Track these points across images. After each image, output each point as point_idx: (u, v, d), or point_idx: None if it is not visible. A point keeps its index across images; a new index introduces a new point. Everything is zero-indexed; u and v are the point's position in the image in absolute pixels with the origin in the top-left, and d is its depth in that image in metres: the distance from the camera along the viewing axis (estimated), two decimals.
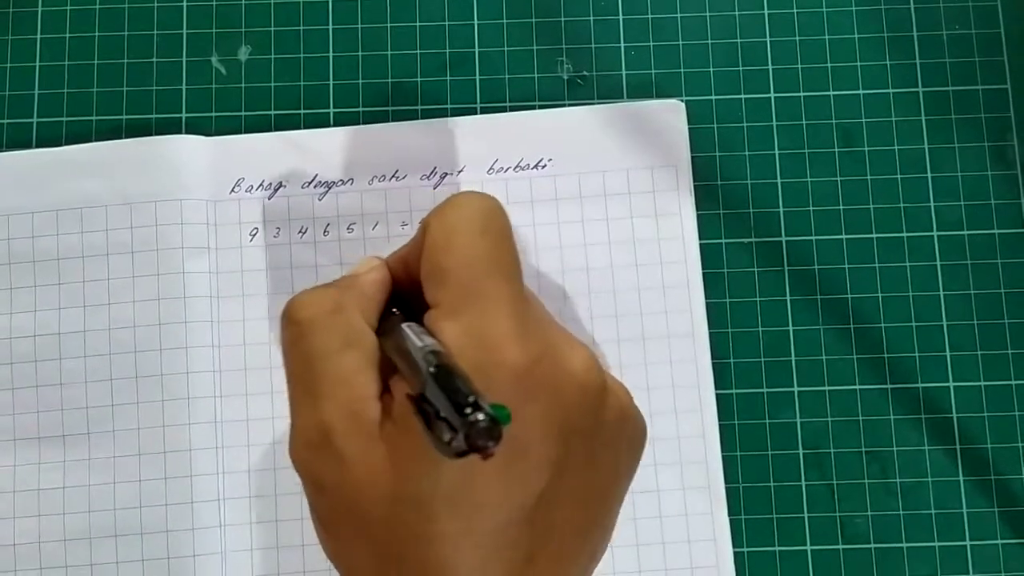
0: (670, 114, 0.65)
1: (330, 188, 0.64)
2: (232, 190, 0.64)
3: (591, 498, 0.47)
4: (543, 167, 0.64)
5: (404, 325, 0.46)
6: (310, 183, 0.64)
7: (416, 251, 0.48)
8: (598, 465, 0.47)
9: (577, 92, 0.67)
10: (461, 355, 0.42)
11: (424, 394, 0.38)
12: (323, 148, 0.65)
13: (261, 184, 0.64)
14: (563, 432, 0.44)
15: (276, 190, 0.64)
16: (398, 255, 0.51)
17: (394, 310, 0.50)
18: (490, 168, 0.64)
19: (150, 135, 0.65)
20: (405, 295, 0.51)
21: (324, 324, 0.46)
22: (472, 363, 0.41)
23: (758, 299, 0.65)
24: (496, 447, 0.35)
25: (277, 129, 0.66)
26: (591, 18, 0.68)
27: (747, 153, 0.66)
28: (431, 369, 0.39)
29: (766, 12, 0.68)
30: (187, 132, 0.66)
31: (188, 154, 0.64)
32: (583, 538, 0.47)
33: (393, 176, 0.64)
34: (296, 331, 0.46)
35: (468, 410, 0.35)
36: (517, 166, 0.64)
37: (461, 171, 0.64)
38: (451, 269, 0.45)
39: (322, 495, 0.45)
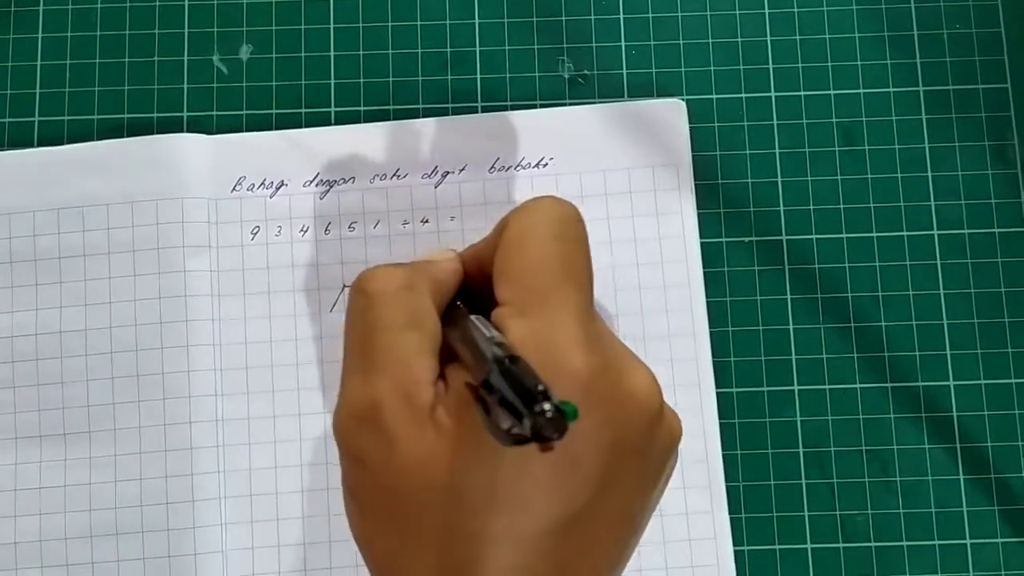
0: (671, 113, 0.65)
1: (331, 187, 0.64)
2: (233, 188, 0.64)
3: (627, 521, 0.46)
4: (544, 166, 0.64)
5: (473, 317, 0.46)
6: (311, 181, 0.64)
7: (490, 248, 0.48)
8: (640, 489, 0.47)
9: (578, 91, 0.67)
10: (525, 356, 0.41)
11: (488, 380, 0.38)
12: (325, 146, 0.65)
13: (263, 182, 0.64)
14: (616, 449, 0.43)
15: (277, 188, 0.64)
16: (472, 250, 0.52)
17: (458, 303, 0.50)
18: (491, 167, 0.64)
19: (151, 134, 0.65)
20: (472, 291, 0.51)
21: (393, 299, 0.46)
22: (535, 365, 0.40)
23: (758, 298, 0.65)
24: (558, 440, 0.35)
25: (278, 128, 0.66)
26: (592, 17, 0.68)
27: (747, 152, 0.66)
28: (500, 355, 0.39)
29: (767, 11, 0.68)
30: (188, 131, 0.66)
31: (189, 153, 0.64)
32: (614, 559, 0.47)
33: (395, 175, 0.64)
34: (364, 302, 0.46)
35: (537, 398, 0.35)
36: (518, 165, 0.64)
37: (463, 170, 0.64)
38: (524, 269, 0.45)
39: (361, 471, 0.44)
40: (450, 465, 0.42)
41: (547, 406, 0.35)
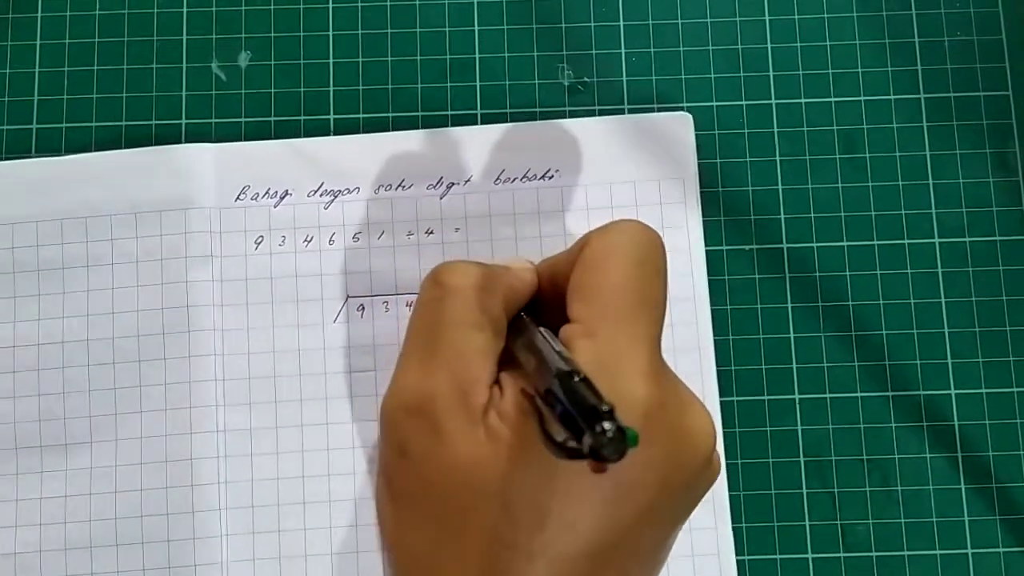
0: (678, 126, 0.65)
1: (336, 197, 0.64)
2: (237, 198, 0.63)
3: (658, 553, 0.47)
4: (550, 178, 0.64)
5: (541, 329, 0.46)
6: (316, 191, 0.64)
7: (567, 263, 0.48)
8: (677, 524, 0.47)
9: (578, 98, 0.67)
10: (592, 376, 0.40)
11: (550, 390, 0.38)
12: (329, 156, 0.64)
13: (267, 192, 0.63)
14: (667, 485, 0.43)
15: (282, 198, 0.63)
16: (548, 263, 0.52)
17: (523, 314, 0.50)
18: (497, 178, 0.64)
19: (150, 141, 0.65)
20: (542, 303, 0.51)
21: (467, 296, 0.46)
22: (601, 387, 0.40)
23: (759, 306, 0.65)
24: (615, 462, 0.35)
25: (277, 135, 0.65)
26: (592, 24, 0.68)
27: (748, 160, 0.66)
28: (568, 370, 0.39)
29: (767, 18, 0.68)
30: (187, 138, 0.65)
31: (194, 162, 0.64)
32: None
33: (399, 185, 0.64)
34: (438, 292, 0.47)
35: (601, 417, 0.35)
36: (524, 176, 0.64)
37: (468, 181, 0.64)
38: (600, 291, 0.45)
39: (404, 461, 0.44)
40: (500, 471, 0.42)
41: (609, 425, 0.35)
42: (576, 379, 0.38)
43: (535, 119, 0.66)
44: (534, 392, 0.39)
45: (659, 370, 0.44)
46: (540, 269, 0.51)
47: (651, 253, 0.48)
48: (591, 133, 0.65)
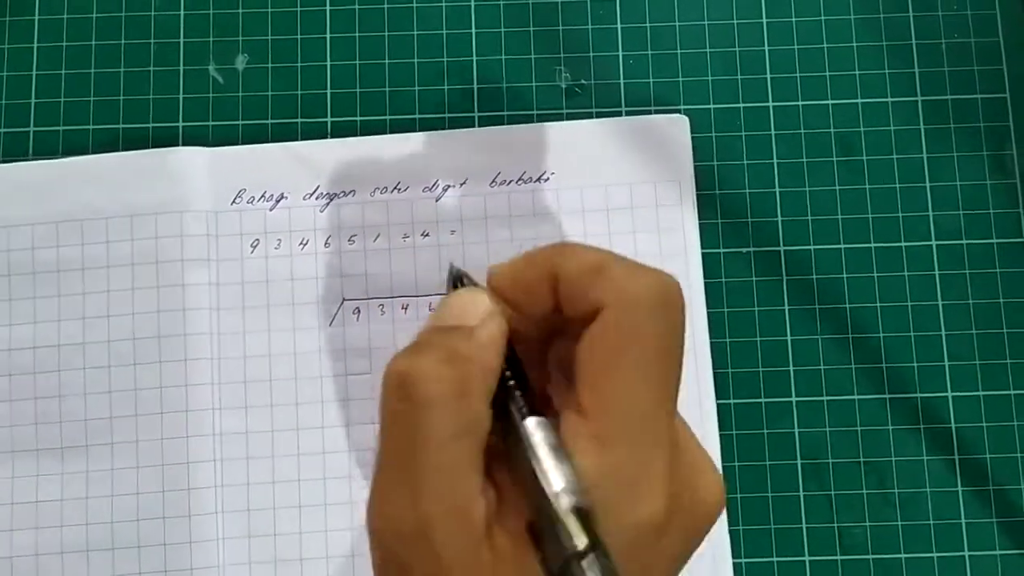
0: (674, 128, 0.65)
1: (332, 200, 0.64)
2: (233, 201, 0.63)
3: None
4: (546, 180, 0.64)
5: (533, 432, 0.40)
6: (312, 194, 0.64)
7: (542, 275, 0.42)
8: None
9: (575, 101, 0.67)
10: (600, 491, 0.38)
11: (547, 528, 0.36)
12: (325, 159, 0.65)
13: (263, 195, 0.64)
14: (682, 556, 0.42)
15: (277, 201, 0.63)
16: (510, 269, 0.44)
17: (512, 388, 0.43)
18: (492, 181, 0.64)
19: (147, 144, 0.65)
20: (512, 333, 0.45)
21: (444, 408, 0.40)
22: (609, 502, 0.38)
23: (756, 309, 0.64)
24: None
25: (274, 138, 0.65)
26: (589, 27, 0.68)
27: (745, 162, 0.66)
28: (580, 547, 0.36)
29: (764, 21, 0.68)
30: (184, 141, 0.65)
31: (189, 165, 0.64)
32: None
33: (395, 188, 0.64)
34: (408, 407, 0.41)
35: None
36: (520, 179, 0.64)
37: (464, 183, 0.64)
38: (618, 384, 0.40)
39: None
40: None
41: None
42: (593, 558, 0.36)
43: (533, 122, 0.66)
44: (531, 519, 0.38)
45: (675, 462, 0.41)
46: (500, 276, 0.44)
47: (678, 331, 0.42)
48: (586, 135, 0.65)
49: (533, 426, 0.40)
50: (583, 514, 0.37)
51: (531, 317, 0.44)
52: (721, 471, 0.61)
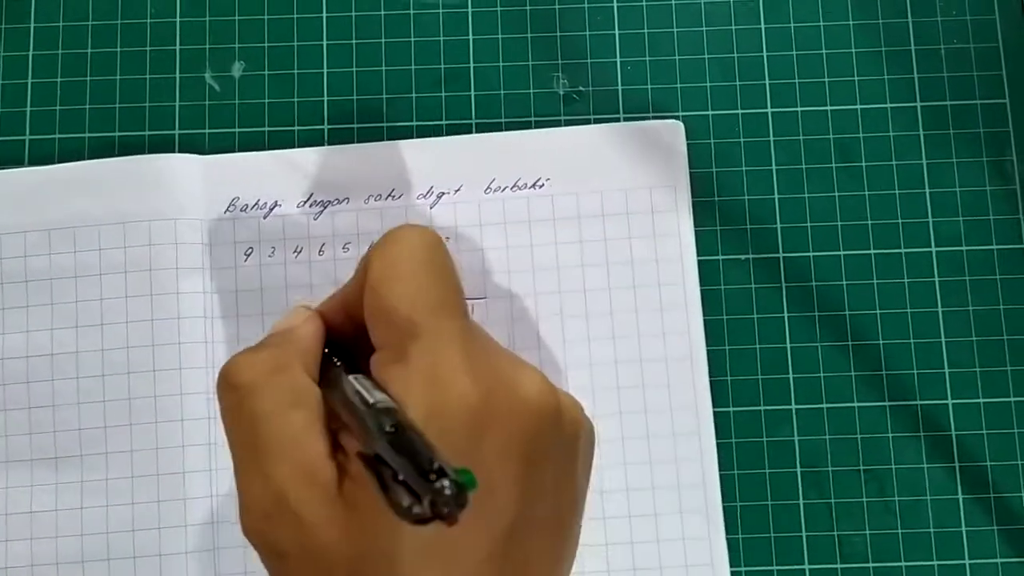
0: (669, 134, 0.65)
1: (326, 207, 0.64)
2: (227, 209, 0.63)
3: (560, 518, 0.46)
4: (540, 186, 0.64)
5: (351, 378, 0.44)
6: (306, 202, 0.64)
7: (357, 291, 0.47)
8: (561, 484, 0.46)
9: (573, 107, 0.66)
10: (413, 397, 0.41)
11: (379, 456, 0.37)
12: (319, 167, 0.64)
13: (256, 203, 0.63)
14: (525, 459, 0.43)
15: (271, 209, 0.63)
16: (335, 299, 0.50)
17: (335, 360, 0.48)
18: (487, 187, 0.64)
19: (143, 152, 0.65)
20: (344, 341, 0.50)
21: (266, 385, 0.44)
22: (425, 406, 0.41)
23: (755, 316, 0.64)
24: (462, 512, 0.34)
25: (271, 146, 0.65)
26: (587, 33, 0.67)
27: (744, 169, 0.66)
28: (387, 430, 0.38)
29: (763, 27, 0.68)
30: (180, 149, 0.65)
31: (182, 173, 0.64)
32: (558, 558, 0.47)
33: (389, 195, 0.64)
34: (236, 396, 0.44)
35: (432, 476, 0.34)
36: (515, 185, 0.64)
37: (458, 190, 0.64)
38: (395, 308, 0.44)
39: (284, 562, 0.43)
40: (369, 532, 0.41)
41: (445, 483, 0.34)
42: (397, 435, 0.37)
43: (530, 128, 0.66)
44: (367, 454, 0.39)
45: (479, 359, 0.44)
46: (327, 310, 0.50)
47: (433, 254, 0.47)
48: (581, 141, 0.65)
49: (356, 379, 0.43)
50: (392, 413, 0.39)
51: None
52: (719, 484, 0.61)
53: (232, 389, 0.45)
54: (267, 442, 0.43)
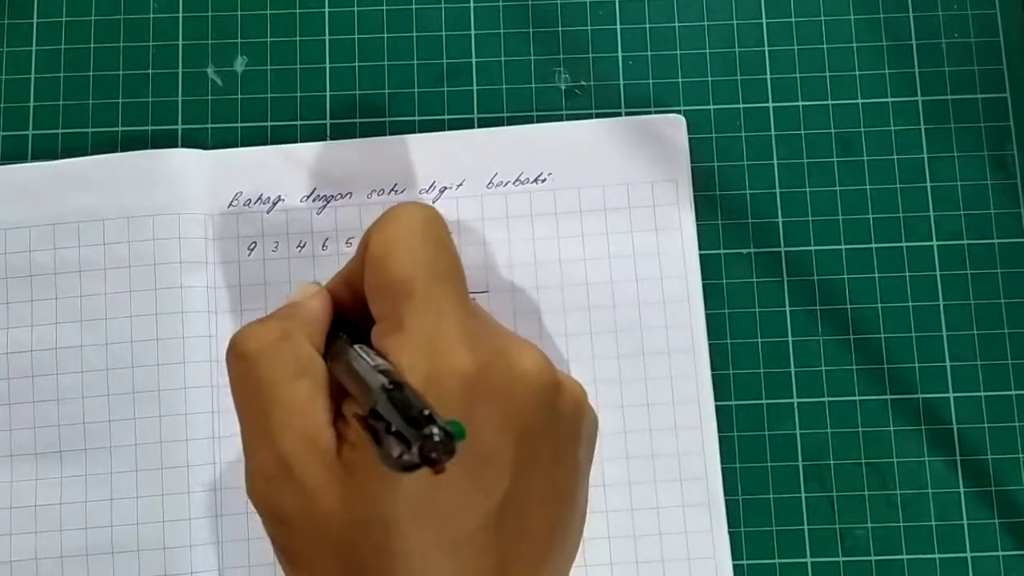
0: (670, 128, 0.65)
1: (329, 202, 0.64)
2: (230, 204, 0.63)
3: (557, 497, 0.47)
4: (543, 181, 0.64)
5: (355, 346, 0.45)
6: (309, 197, 0.64)
7: (358, 269, 0.48)
8: (560, 462, 0.47)
9: (575, 102, 0.66)
10: (411, 365, 0.42)
11: (374, 410, 0.38)
12: (322, 162, 0.64)
13: (259, 198, 0.63)
14: (522, 433, 0.44)
15: (274, 204, 0.63)
16: (339, 277, 0.52)
17: (340, 334, 0.49)
18: (489, 182, 0.64)
19: (146, 147, 0.65)
20: (350, 317, 0.51)
21: (273, 354, 0.45)
22: (422, 373, 0.42)
23: (757, 310, 0.64)
24: (449, 461, 0.35)
25: (274, 140, 0.65)
26: (589, 28, 0.68)
27: (745, 163, 0.66)
28: (383, 384, 0.39)
29: (764, 21, 0.68)
30: (183, 144, 0.65)
31: (186, 168, 0.64)
32: (554, 538, 0.47)
33: (392, 190, 0.64)
34: (244, 365, 0.46)
35: (422, 423, 0.35)
36: (517, 180, 0.64)
37: (460, 185, 0.64)
38: (394, 280, 0.45)
39: (285, 527, 0.44)
40: (366, 496, 0.42)
41: (434, 430, 0.35)
42: (392, 390, 0.38)
43: (532, 123, 0.66)
44: (364, 414, 0.39)
45: (476, 331, 0.45)
46: (332, 287, 0.52)
47: (431, 229, 0.48)
48: (583, 136, 0.65)
49: (358, 347, 0.45)
50: (390, 376, 0.40)
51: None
52: (721, 477, 0.62)
53: (240, 357, 0.46)
54: (272, 409, 0.44)
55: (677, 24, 0.68)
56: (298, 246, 0.63)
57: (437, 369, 0.42)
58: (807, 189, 0.65)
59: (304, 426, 0.43)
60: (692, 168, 0.65)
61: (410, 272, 0.45)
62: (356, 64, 0.67)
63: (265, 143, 0.65)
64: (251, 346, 0.46)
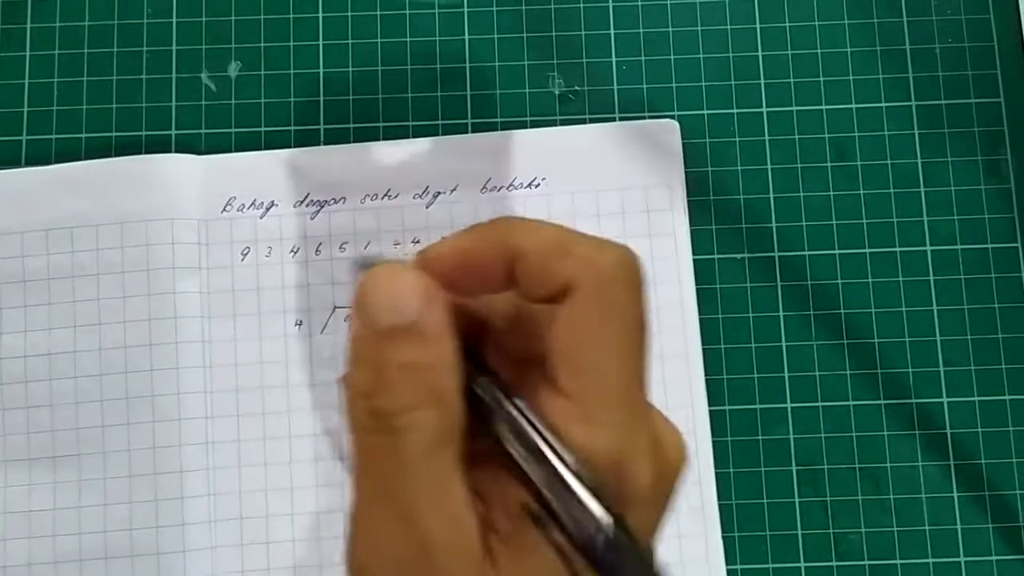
0: (665, 133, 0.65)
1: (322, 207, 0.64)
2: (224, 209, 0.63)
3: None
4: (537, 186, 0.64)
5: (523, 415, 0.37)
6: (302, 202, 0.64)
7: (490, 248, 0.39)
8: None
9: (569, 107, 0.66)
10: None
11: (554, 511, 0.34)
12: (315, 167, 0.64)
13: (253, 203, 0.63)
14: (660, 520, 0.42)
15: (268, 209, 0.63)
16: (458, 246, 0.40)
17: (488, 375, 0.39)
18: (484, 187, 0.64)
19: (140, 152, 0.65)
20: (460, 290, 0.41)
21: (423, 422, 0.37)
22: (607, 481, 0.36)
23: (751, 315, 0.64)
24: None
25: (267, 145, 0.65)
26: (582, 33, 0.67)
27: (739, 168, 0.66)
28: (604, 524, 0.34)
29: (758, 26, 0.68)
30: (177, 149, 0.65)
31: (179, 173, 0.64)
32: None
33: (386, 195, 0.64)
34: (389, 440, 0.37)
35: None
36: (511, 185, 0.64)
37: (454, 190, 0.64)
38: (598, 361, 0.38)
39: None
40: None
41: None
42: (614, 535, 0.34)
43: (526, 128, 0.66)
44: (536, 508, 0.35)
45: (655, 436, 0.39)
46: (439, 256, 0.39)
47: (642, 298, 0.39)
48: (577, 141, 0.65)
49: (524, 408, 0.37)
50: (594, 492, 0.35)
51: (471, 296, 0.41)
52: (714, 481, 0.62)
53: (385, 432, 0.37)
54: (414, 485, 0.37)
55: (671, 29, 0.68)
56: (291, 251, 0.63)
57: (630, 491, 0.37)
58: (801, 194, 0.65)
59: (448, 504, 0.37)
60: (686, 173, 0.65)
61: (619, 357, 0.38)
62: (350, 69, 0.67)
63: (259, 148, 0.65)
64: (407, 421, 0.37)
